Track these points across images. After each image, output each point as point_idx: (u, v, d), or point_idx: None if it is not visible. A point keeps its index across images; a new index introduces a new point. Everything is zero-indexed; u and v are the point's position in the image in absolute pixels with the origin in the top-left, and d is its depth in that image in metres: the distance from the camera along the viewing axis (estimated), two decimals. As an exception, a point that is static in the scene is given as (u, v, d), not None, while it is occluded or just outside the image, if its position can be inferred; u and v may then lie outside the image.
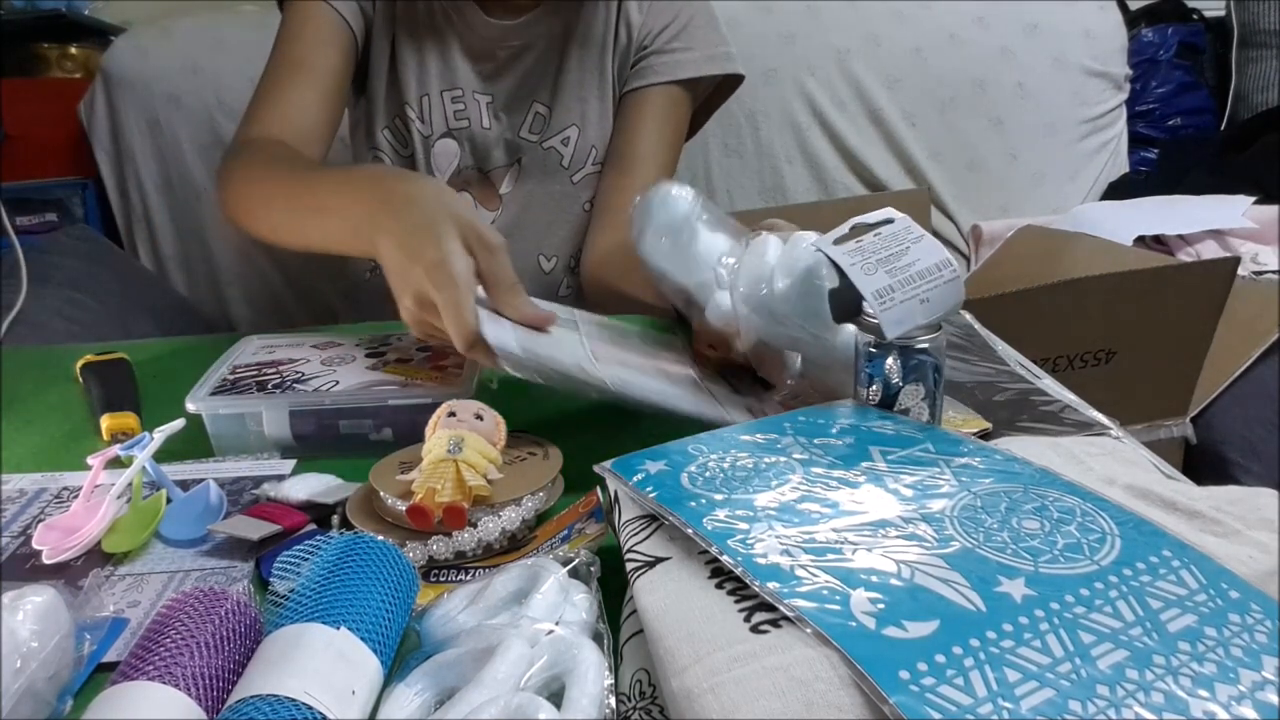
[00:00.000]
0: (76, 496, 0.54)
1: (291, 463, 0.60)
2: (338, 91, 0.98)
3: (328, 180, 0.80)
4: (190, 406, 0.60)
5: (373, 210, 0.67)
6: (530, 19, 1.02)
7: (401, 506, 0.50)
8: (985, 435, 0.56)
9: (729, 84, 1.11)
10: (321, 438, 0.61)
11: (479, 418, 0.55)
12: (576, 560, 0.43)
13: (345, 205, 0.71)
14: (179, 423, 0.59)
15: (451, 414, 0.54)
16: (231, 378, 0.64)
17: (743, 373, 0.66)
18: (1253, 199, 1.61)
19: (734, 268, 0.59)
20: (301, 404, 0.61)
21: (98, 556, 0.50)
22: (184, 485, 0.56)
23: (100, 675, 0.40)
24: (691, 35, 1.06)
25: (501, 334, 0.57)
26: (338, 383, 0.63)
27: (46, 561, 0.49)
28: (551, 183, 1.07)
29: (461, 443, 0.51)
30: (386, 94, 1.03)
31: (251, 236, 0.87)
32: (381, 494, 0.51)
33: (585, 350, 0.62)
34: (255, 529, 0.50)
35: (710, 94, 1.11)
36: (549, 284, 1.11)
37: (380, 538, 0.44)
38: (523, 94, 1.04)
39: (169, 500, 0.54)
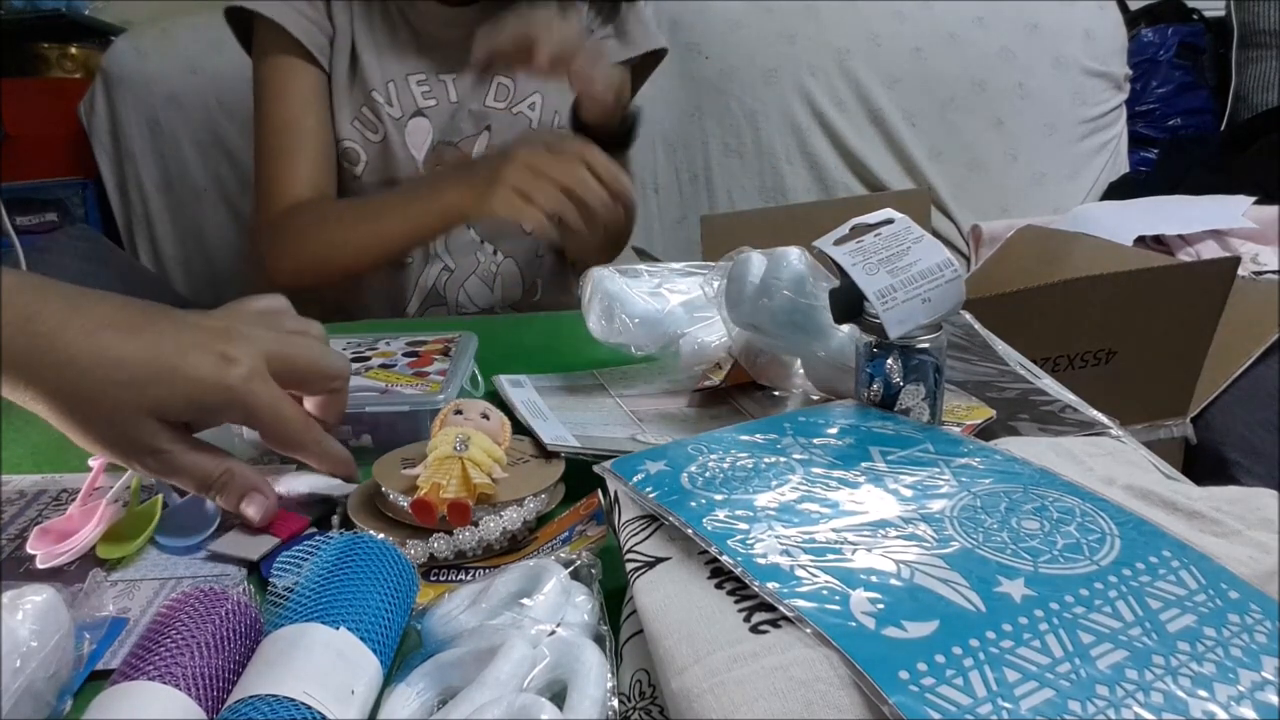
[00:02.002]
0: (75, 499, 0.54)
1: (292, 466, 0.59)
2: (331, 141, 1.07)
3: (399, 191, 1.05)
4: None
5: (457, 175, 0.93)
6: (482, 5, 1.07)
7: (405, 501, 0.50)
8: (987, 427, 0.56)
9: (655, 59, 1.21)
10: None
11: (485, 417, 0.55)
12: (578, 562, 0.43)
13: (437, 188, 0.95)
14: (179, 424, 0.59)
15: (458, 412, 0.54)
16: None
17: (751, 389, 0.66)
18: (1253, 199, 1.61)
19: (720, 288, 0.60)
20: None
21: (91, 562, 0.50)
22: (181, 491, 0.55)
23: (99, 675, 0.40)
24: (623, 22, 1.16)
25: (556, 431, 0.58)
26: None
27: (40, 566, 0.49)
28: None
29: (468, 440, 0.51)
30: (349, 89, 1.08)
31: (316, 281, 1.02)
32: (384, 489, 0.51)
33: (627, 413, 0.64)
34: (255, 547, 0.49)
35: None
36: (530, 244, 1.18)
37: (380, 536, 0.44)
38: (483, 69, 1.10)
39: (165, 505, 0.53)
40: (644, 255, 1.61)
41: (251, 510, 0.50)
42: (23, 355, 0.44)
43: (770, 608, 0.33)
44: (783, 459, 0.43)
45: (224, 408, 0.48)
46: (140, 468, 0.48)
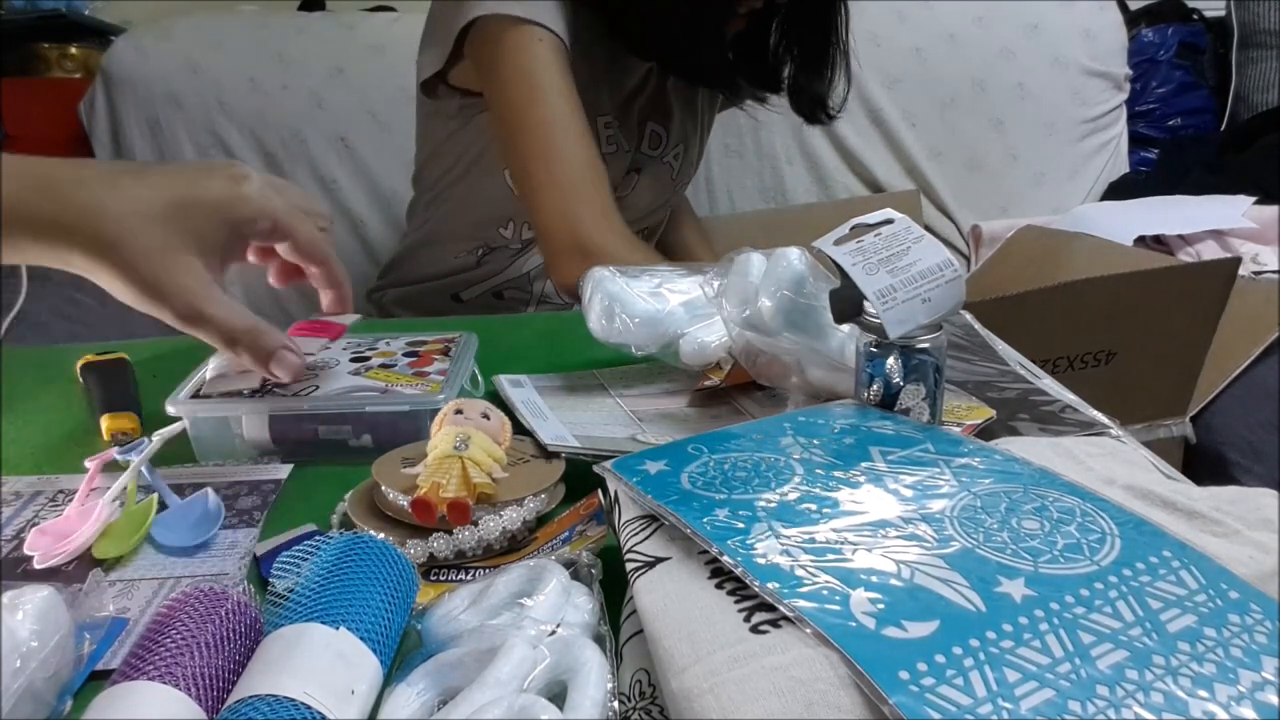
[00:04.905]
0: (72, 500, 0.54)
1: (288, 467, 0.59)
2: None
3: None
4: (171, 409, 0.60)
5: None
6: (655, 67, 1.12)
7: (404, 501, 0.50)
8: (987, 427, 0.56)
9: None
10: (301, 443, 0.61)
11: (486, 417, 0.55)
12: (578, 562, 0.43)
13: None
14: (178, 426, 0.59)
15: (459, 411, 0.54)
16: None
17: (751, 389, 0.66)
18: (1253, 199, 1.61)
19: (720, 288, 0.60)
20: (280, 409, 0.60)
21: (89, 562, 0.50)
22: (181, 490, 0.55)
23: (99, 675, 0.40)
24: None
25: (556, 431, 0.58)
26: (317, 387, 0.62)
27: (37, 567, 0.49)
28: (660, 191, 1.19)
29: (468, 440, 0.51)
30: None
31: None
32: (384, 488, 0.51)
33: (627, 413, 0.64)
34: (246, 380, 0.49)
35: None
36: None
37: (381, 536, 0.44)
38: (639, 116, 1.14)
39: (165, 507, 0.53)
40: None
41: (280, 370, 0.54)
42: (51, 213, 0.48)
43: (770, 608, 0.33)
44: (783, 459, 0.43)
45: (250, 218, 0.52)
46: (172, 314, 0.51)
